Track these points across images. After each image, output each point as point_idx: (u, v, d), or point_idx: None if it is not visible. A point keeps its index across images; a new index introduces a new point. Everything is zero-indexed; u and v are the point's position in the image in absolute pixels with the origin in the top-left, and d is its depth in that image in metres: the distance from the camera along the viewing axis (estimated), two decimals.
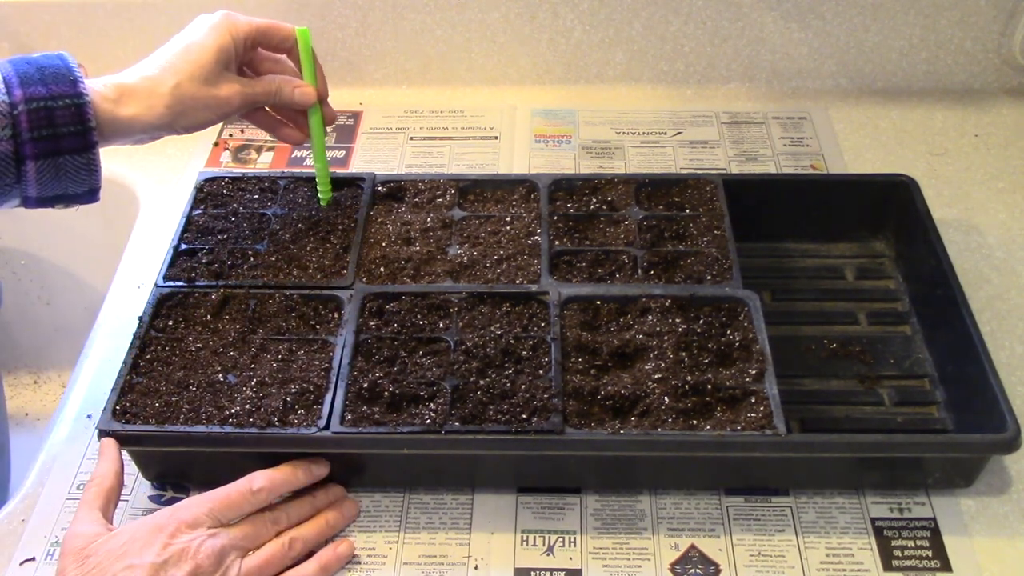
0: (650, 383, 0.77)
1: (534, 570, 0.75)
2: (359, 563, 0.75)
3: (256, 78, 0.85)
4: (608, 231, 0.91)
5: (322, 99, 0.88)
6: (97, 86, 0.75)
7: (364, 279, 0.87)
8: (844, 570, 0.74)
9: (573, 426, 0.74)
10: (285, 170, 1.05)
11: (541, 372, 0.78)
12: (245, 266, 0.88)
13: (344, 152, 1.14)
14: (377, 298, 0.84)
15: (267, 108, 0.88)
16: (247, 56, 0.85)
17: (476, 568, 0.75)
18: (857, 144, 1.12)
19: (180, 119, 0.79)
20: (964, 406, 0.82)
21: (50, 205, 0.76)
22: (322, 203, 0.93)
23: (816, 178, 1.05)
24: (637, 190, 0.94)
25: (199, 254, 0.89)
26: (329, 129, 1.16)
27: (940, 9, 1.13)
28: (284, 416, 0.75)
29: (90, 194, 0.77)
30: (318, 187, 0.93)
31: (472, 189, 0.96)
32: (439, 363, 0.79)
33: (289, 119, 0.90)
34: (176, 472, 0.81)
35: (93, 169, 0.74)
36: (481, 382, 0.77)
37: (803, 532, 0.76)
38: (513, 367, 0.78)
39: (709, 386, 0.77)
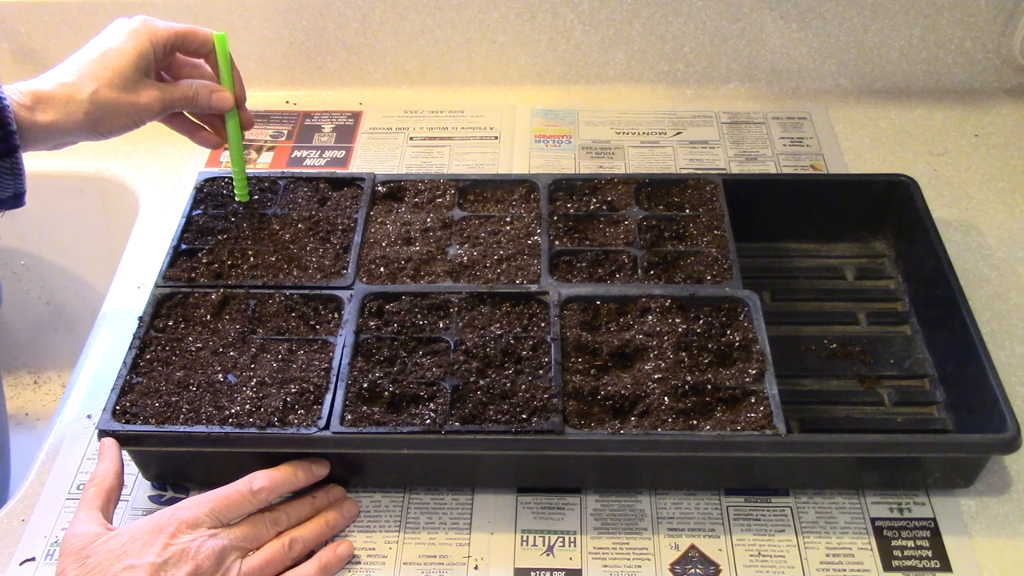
0: (650, 383, 0.77)
1: (534, 570, 0.75)
2: (359, 563, 0.75)
3: (174, 83, 0.85)
4: (608, 231, 0.91)
5: (239, 103, 0.88)
6: (12, 93, 0.74)
7: (364, 279, 0.87)
8: (844, 570, 0.74)
9: (573, 426, 0.74)
10: (285, 170, 1.05)
11: (541, 372, 0.78)
12: (245, 266, 0.88)
13: (344, 152, 1.14)
14: (377, 298, 0.84)
15: (185, 112, 0.88)
16: (165, 61, 0.84)
17: (476, 568, 0.75)
18: (857, 144, 1.12)
19: (99, 125, 0.78)
20: (964, 406, 0.82)
21: None
22: (239, 198, 0.94)
23: (816, 178, 1.05)
24: (637, 190, 0.94)
25: (199, 254, 0.89)
26: (327, 134, 1.16)
27: (940, 9, 1.13)
28: (284, 416, 0.75)
29: (14, 199, 0.77)
30: (235, 188, 0.93)
31: (472, 189, 0.96)
32: (439, 363, 0.79)
33: (207, 123, 0.90)
34: (176, 472, 0.81)
35: (17, 173, 0.75)
36: (481, 382, 0.77)
37: (803, 532, 0.76)
38: (513, 367, 0.78)
39: (709, 386, 0.77)
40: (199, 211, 0.94)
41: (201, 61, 0.87)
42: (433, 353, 0.80)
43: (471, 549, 0.76)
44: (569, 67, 1.20)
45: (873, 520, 0.77)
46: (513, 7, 1.15)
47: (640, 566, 0.74)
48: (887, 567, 0.74)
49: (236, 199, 0.94)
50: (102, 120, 0.78)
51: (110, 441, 0.74)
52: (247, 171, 0.94)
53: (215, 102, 0.85)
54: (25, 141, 0.75)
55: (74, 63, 0.79)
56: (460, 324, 0.82)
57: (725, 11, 1.14)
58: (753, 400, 0.76)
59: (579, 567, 0.75)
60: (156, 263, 0.90)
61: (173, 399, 0.77)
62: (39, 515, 0.79)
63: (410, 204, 0.95)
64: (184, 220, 0.92)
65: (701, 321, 0.82)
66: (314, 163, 1.13)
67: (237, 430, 0.74)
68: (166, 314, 0.84)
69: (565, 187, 0.95)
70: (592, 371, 0.79)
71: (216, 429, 0.74)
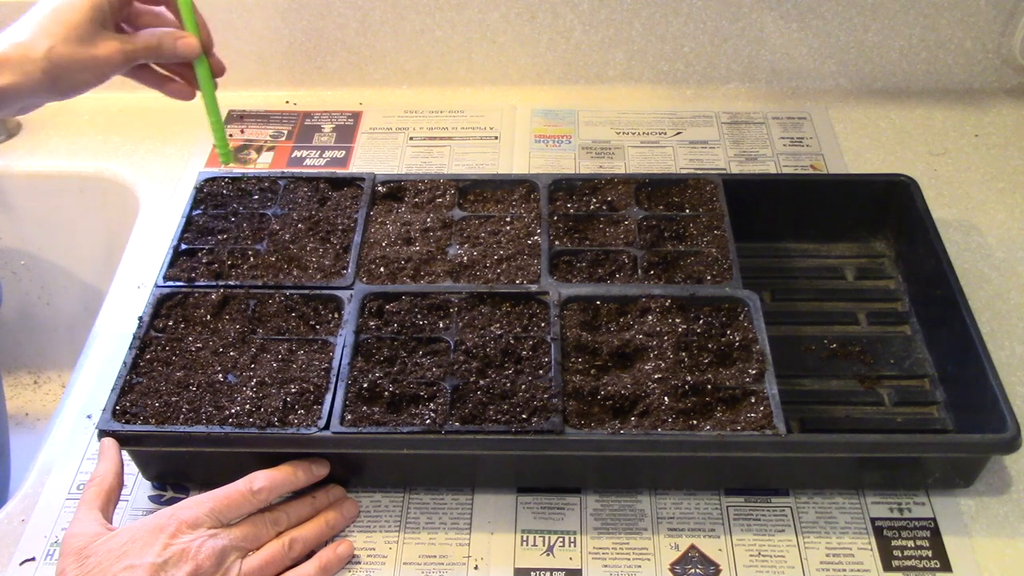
0: (650, 383, 0.77)
1: (534, 570, 0.75)
2: (359, 563, 0.75)
3: (135, 33, 0.80)
4: (608, 231, 0.91)
5: (207, 49, 0.83)
6: None
7: (364, 279, 0.87)
8: (844, 570, 0.74)
9: (573, 426, 0.74)
10: (285, 170, 1.05)
11: (541, 372, 0.78)
12: (245, 266, 0.88)
13: (344, 152, 1.14)
14: (377, 298, 0.84)
15: (152, 64, 0.84)
16: (124, 12, 0.80)
17: (476, 568, 0.75)
18: (857, 144, 1.12)
19: (59, 83, 0.75)
20: (964, 406, 0.82)
21: None
22: (223, 160, 0.89)
23: (816, 178, 1.05)
24: (637, 190, 0.94)
25: (199, 254, 0.89)
26: (327, 133, 1.16)
27: (940, 9, 1.13)
28: (284, 416, 0.75)
29: None
30: (215, 144, 0.88)
31: (472, 189, 0.96)
32: (439, 363, 0.79)
33: (176, 74, 0.85)
34: (176, 472, 0.81)
35: None
36: (481, 382, 0.77)
37: (803, 532, 0.76)
38: (513, 367, 0.78)
39: (709, 386, 0.77)
40: (199, 211, 0.94)
41: (162, 9, 0.83)
42: (433, 353, 0.80)
43: (471, 549, 0.76)
44: (569, 67, 1.20)
45: (873, 520, 0.77)
46: (513, 7, 1.15)
47: (640, 566, 0.74)
48: (887, 567, 0.74)
49: (220, 161, 0.89)
50: (62, 77, 0.75)
51: (110, 441, 0.74)
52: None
53: (180, 49, 0.81)
54: None
55: (27, 22, 0.75)
56: (460, 324, 0.82)
57: (725, 11, 1.14)
58: (753, 400, 0.76)
59: (579, 567, 0.75)
60: (156, 263, 0.90)
61: (173, 399, 0.77)
62: (39, 515, 0.79)
63: (410, 204, 0.95)
64: (184, 220, 0.92)
65: (701, 321, 0.82)
66: (314, 163, 1.13)
67: (237, 430, 0.74)
68: (166, 314, 0.84)
69: (565, 187, 0.95)
70: (592, 371, 0.79)
71: (216, 429, 0.74)
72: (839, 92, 1.19)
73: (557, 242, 0.90)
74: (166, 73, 0.86)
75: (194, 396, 0.77)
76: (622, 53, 1.18)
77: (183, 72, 0.85)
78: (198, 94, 0.86)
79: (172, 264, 0.88)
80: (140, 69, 0.83)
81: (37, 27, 0.75)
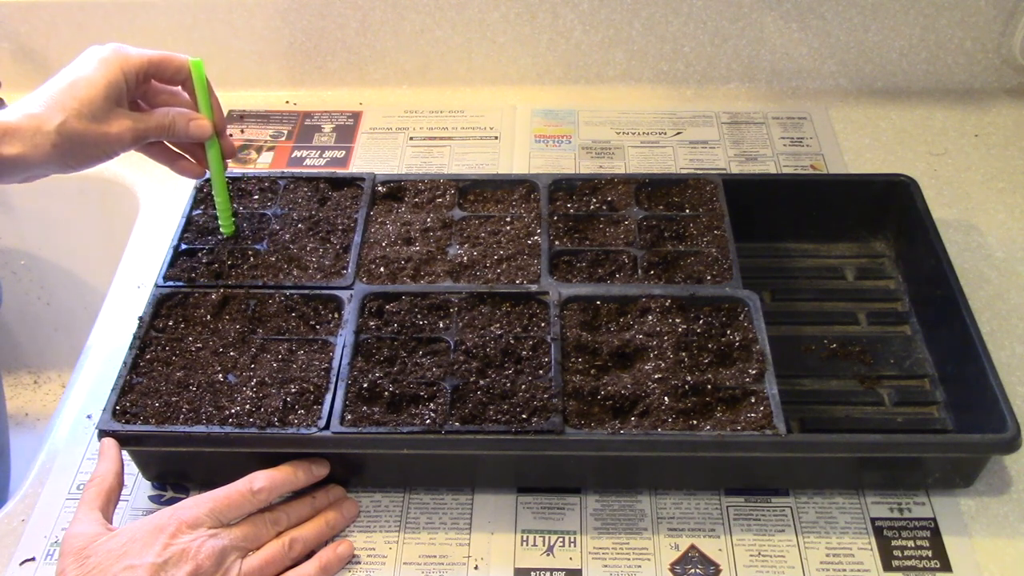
0: (650, 383, 0.77)
1: (534, 570, 0.75)
2: (359, 563, 0.75)
3: (149, 112, 0.82)
4: (608, 231, 0.91)
5: (219, 131, 0.85)
6: None
7: (364, 279, 0.87)
8: (844, 570, 0.74)
9: (573, 426, 0.74)
10: (285, 170, 1.05)
11: (541, 372, 0.78)
12: (245, 266, 0.88)
13: (344, 152, 1.14)
14: (377, 298, 0.84)
15: (165, 141, 0.85)
16: (140, 89, 0.82)
17: (476, 568, 0.75)
18: (857, 144, 1.12)
19: (67, 157, 0.76)
20: (964, 406, 0.82)
21: None
22: (224, 233, 0.90)
23: (816, 178, 1.05)
24: (637, 190, 0.94)
25: (199, 254, 0.89)
26: (327, 134, 1.16)
27: (940, 9, 1.13)
28: (284, 416, 0.75)
29: None
30: (219, 220, 0.90)
31: (472, 189, 0.96)
32: (439, 363, 0.79)
33: (188, 152, 0.87)
34: (176, 472, 0.81)
35: None
36: (481, 382, 0.77)
37: (803, 532, 0.76)
38: (513, 367, 0.78)
39: (709, 386, 0.77)
40: (199, 211, 0.94)
41: (178, 89, 0.84)
42: (433, 353, 0.80)
43: (471, 549, 0.76)
44: (569, 67, 1.20)
45: (873, 520, 0.77)
46: (513, 7, 1.15)
47: (640, 566, 0.74)
48: (887, 567, 0.74)
49: (221, 232, 0.90)
50: (71, 152, 0.76)
51: (110, 441, 0.74)
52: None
53: (193, 130, 0.82)
54: None
55: (42, 93, 0.76)
56: (460, 324, 0.82)
57: (725, 11, 1.14)
58: (753, 400, 0.76)
59: (579, 567, 0.75)
60: (156, 263, 0.90)
61: (173, 399, 0.77)
62: (39, 515, 0.79)
63: (410, 204, 0.95)
64: (184, 220, 0.92)
65: (701, 321, 0.82)
66: (314, 163, 1.13)
67: (237, 430, 0.74)
68: (166, 314, 0.84)
69: (565, 187, 0.95)
70: (592, 371, 0.79)
71: (216, 429, 0.74)
72: (839, 92, 1.19)
73: (557, 242, 0.90)
74: (178, 151, 0.87)
75: (194, 396, 0.77)
76: (622, 53, 1.18)
77: (195, 151, 0.87)
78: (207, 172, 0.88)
79: (172, 264, 0.88)
80: (153, 146, 0.85)
81: (52, 100, 0.75)
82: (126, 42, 1.10)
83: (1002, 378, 0.77)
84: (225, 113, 0.87)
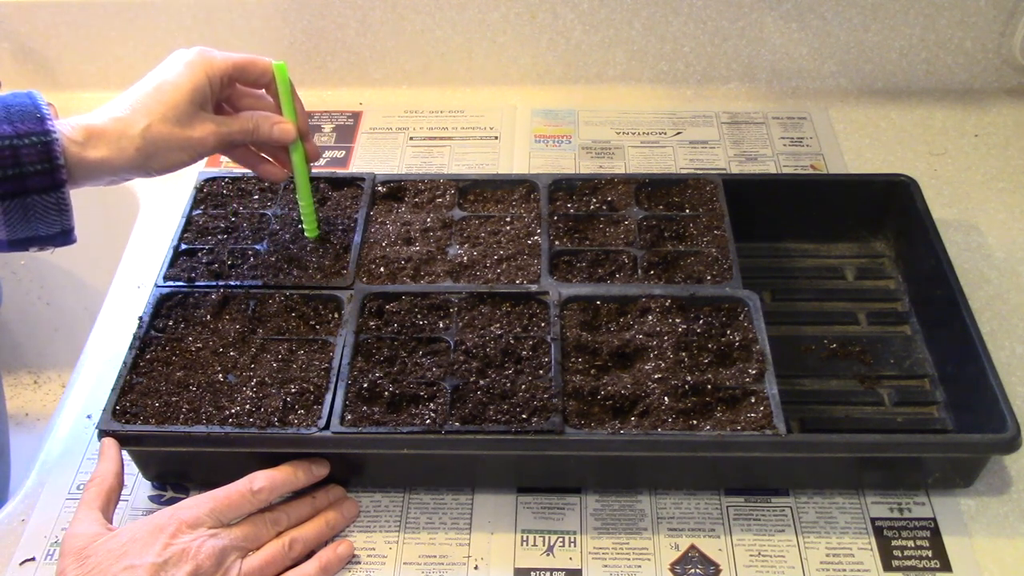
0: (650, 383, 0.77)
1: (534, 570, 0.75)
2: (359, 563, 0.75)
3: (233, 116, 0.82)
4: (608, 231, 0.91)
5: (303, 135, 0.85)
6: (64, 128, 0.72)
7: (364, 279, 0.87)
8: (844, 570, 0.74)
9: (573, 426, 0.74)
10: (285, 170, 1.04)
11: (541, 372, 0.78)
12: (245, 266, 0.88)
13: (344, 152, 1.14)
14: (377, 298, 0.84)
15: (249, 145, 0.85)
16: (224, 93, 0.82)
17: (476, 568, 0.75)
18: (857, 144, 1.12)
19: (152, 161, 0.76)
20: (964, 406, 0.82)
21: (23, 248, 0.74)
22: (308, 236, 0.90)
23: (816, 178, 1.05)
24: (637, 190, 0.94)
25: (199, 254, 0.89)
26: (327, 134, 1.17)
27: (940, 9, 1.13)
28: (284, 416, 0.75)
29: (63, 235, 0.75)
30: (304, 224, 0.90)
31: (472, 189, 0.96)
32: (439, 363, 0.79)
33: (271, 155, 0.87)
34: (176, 472, 0.81)
35: (63, 209, 0.73)
36: (481, 382, 0.77)
37: (803, 532, 0.76)
38: (513, 367, 0.78)
39: (709, 386, 0.77)
40: (199, 211, 0.94)
41: (263, 92, 0.84)
42: (433, 353, 0.80)
43: (471, 549, 0.76)
44: (569, 67, 1.20)
45: (873, 520, 0.77)
46: (513, 7, 1.15)
47: (640, 566, 0.74)
48: (887, 567, 0.74)
49: (306, 236, 0.90)
50: (155, 156, 0.75)
51: (110, 441, 0.74)
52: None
53: (276, 134, 0.82)
54: (75, 177, 0.73)
55: (128, 97, 0.76)
56: (460, 324, 0.82)
57: (725, 11, 1.14)
58: (753, 400, 0.76)
59: (579, 567, 0.75)
60: (156, 263, 0.90)
61: (173, 399, 0.77)
62: (39, 515, 0.79)
63: (410, 204, 0.95)
64: (184, 220, 0.92)
65: (701, 321, 0.82)
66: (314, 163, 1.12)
67: (237, 430, 0.74)
68: (166, 314, 0.84)
69: (565, 187, 0.95)
70: (592, 371, 0.79)
71: (216, 429, 0.74)
72: (839, 92, 1.19)
73: (557, 242, 0.90)
74: (262, 155, 0.87)
75: (194, 396, 0.77)
76: (622, 53, 1.18)
77: (277, 155, 0.87)
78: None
79: (172, 264, 0.88)
80: (236, 149, 0.85)
81: (138, 103, 0.75)
82: (127, 41, 1.10)
83: (1002, 378, 0.77)
84: None
